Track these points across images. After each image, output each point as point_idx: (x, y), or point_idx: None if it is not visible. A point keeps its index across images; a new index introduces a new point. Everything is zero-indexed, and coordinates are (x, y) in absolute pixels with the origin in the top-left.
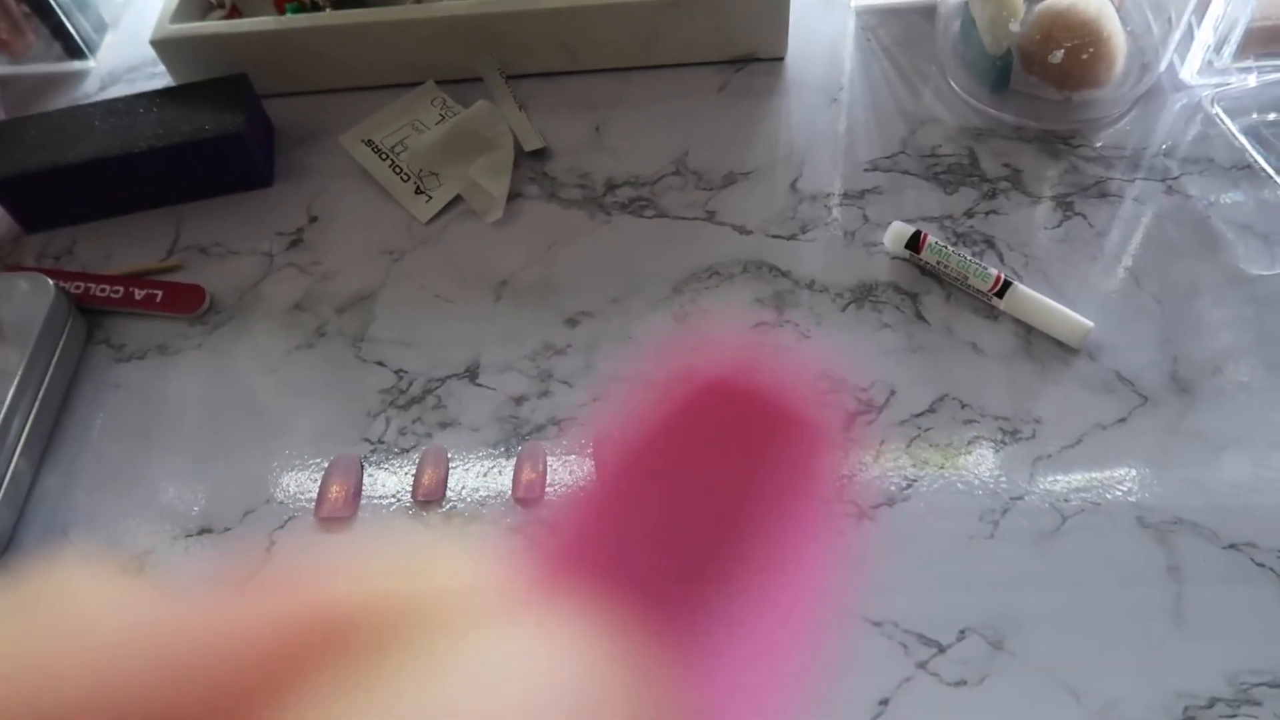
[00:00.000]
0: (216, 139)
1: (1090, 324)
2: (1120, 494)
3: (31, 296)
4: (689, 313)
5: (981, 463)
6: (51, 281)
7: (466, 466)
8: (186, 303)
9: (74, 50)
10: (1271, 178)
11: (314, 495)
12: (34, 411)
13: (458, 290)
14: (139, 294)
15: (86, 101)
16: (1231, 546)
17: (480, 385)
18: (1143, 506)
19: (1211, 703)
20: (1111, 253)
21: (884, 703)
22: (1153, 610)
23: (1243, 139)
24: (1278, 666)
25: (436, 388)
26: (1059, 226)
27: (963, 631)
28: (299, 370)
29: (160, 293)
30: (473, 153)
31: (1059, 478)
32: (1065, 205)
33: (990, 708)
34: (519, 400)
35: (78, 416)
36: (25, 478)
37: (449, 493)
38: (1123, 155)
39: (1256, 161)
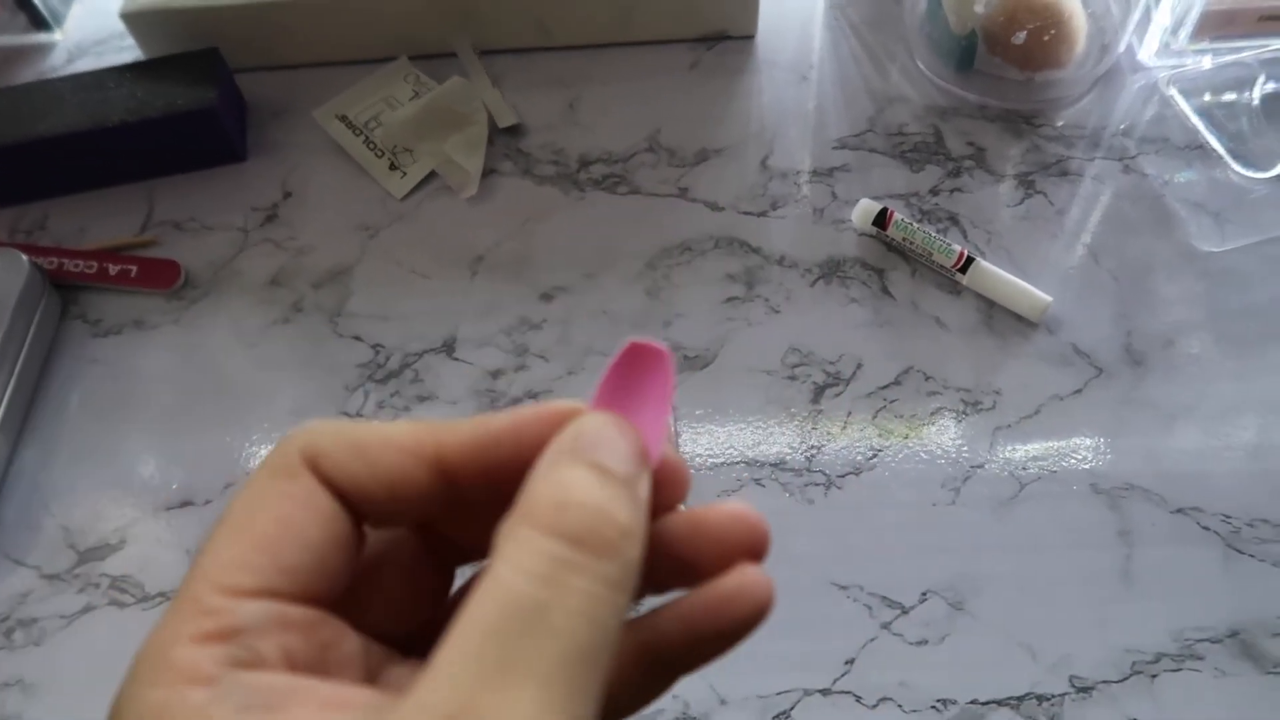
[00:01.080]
0: (189, 114)
1: (1049, 299)
2: (1075, 462)
3: (4, 272)
4: (661, 288)
5: (944, 433)
6: (25, 256)
7: None
8: (162, 278)
9: (39, 22)
10: (1223, 158)
11: None
12: (10, 388)
13: (434, 266)
14: (114, 269)
15: (54, 75)
16: (1179, 511)
17: (457, 359)
18: (1096, 473)
19: (1157, 658)
20: (1071, 230)
21: (849, 662)
22: (1104, 571)
23: (1196, 120)
24: (1220, 623)
25: (414, 362)
26: (1020, 204)
27: (925, 594)
28: (276, 345)
29: (135, 268)
30: (447, 129)
31: (1018, 447)
32: (1027, 183)
33: (951, 665)
34: (496, 374)
35: (55, 392)
36: (3, 454)
37: None
38: (1082, 135)
39: (1209, 142)
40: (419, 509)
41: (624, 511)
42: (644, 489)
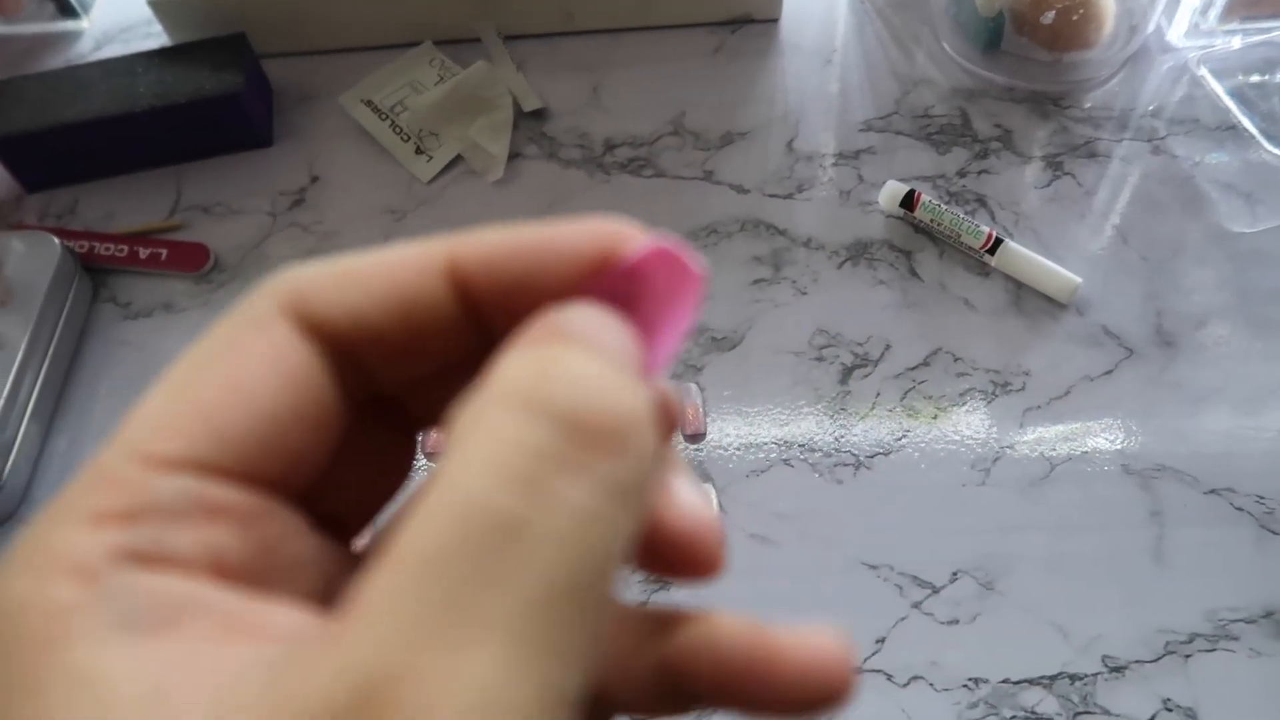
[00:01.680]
0: (216, 99)
1: (1078, 280)
2: (1106, 442)
3: (37, 255)
4: None
5: (973, 414)
6: (57, 239)
7: None
8: (191, 261)
9: (67, 9)
10: (1255, 138)
11: None
12: (43, 370)
13: None
14: (144, 253)
15: (82, 62)
16: (1212, 491)
17: None
18: (1127, 454)
19: (1191, 638)
20: (1099, 211)
21: (880, 641)
22: (1136, 552)
23: (1228, 100)
24: (1254, 603)
25: None
26: (1048, 186)
27: (955, 573)
28: None
29: (165, 251)
30: (472, 113)
31: (1048, 427)
32: (1055, 165)
33: (982, 644)
34: None
35: (87, 374)
36: (37, 436)
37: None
38: (1111, 116)
39: (1241, 122)
40: (440, 343)
41: (635, 396)
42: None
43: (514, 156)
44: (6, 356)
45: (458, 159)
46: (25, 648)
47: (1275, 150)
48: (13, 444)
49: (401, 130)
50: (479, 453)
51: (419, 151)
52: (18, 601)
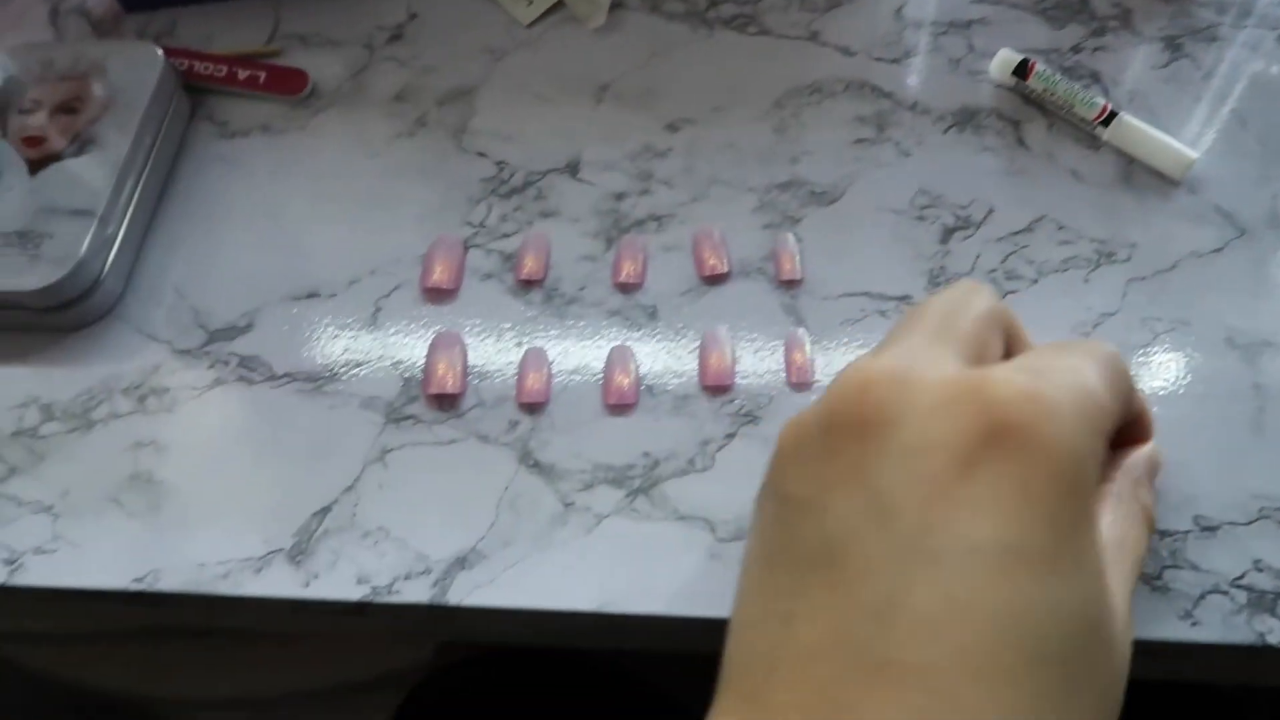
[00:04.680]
0: None
1: (1194, 155)
2: (1211, 317)
3: (139, 65)
4: (789, 126)
5: (1075, 280)
6: (160, 51)
7: (567, 253)
8: (290, 85)
9: None
10: None
11: (417, 270)
12: (143, 178)
13: (559, 92)
14: (242, 74)
15: None
16: None
17: (581, 180)
18: (1232, 329)
19: None
20: (1217, 95)
21: None
22: (1235, 422)
23: None
24: None
25: (538, 180)
26: (1166, 67)
27: None
28: (401, 155)
29: (264, 74)
30: None
31: (1151, 298)
32: (1174, 46)
33: None
34: (619, 196)
35: (181, 188)
36: (135, 240)
37: (549, 275)
38: (1234, 1)
39: None
40: None
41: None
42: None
43: (616, 5)
44: (111, 156)
45: (559, 4)
46: None
47: None
48: (114, 241)
49: None
50: None
51: None
52: None
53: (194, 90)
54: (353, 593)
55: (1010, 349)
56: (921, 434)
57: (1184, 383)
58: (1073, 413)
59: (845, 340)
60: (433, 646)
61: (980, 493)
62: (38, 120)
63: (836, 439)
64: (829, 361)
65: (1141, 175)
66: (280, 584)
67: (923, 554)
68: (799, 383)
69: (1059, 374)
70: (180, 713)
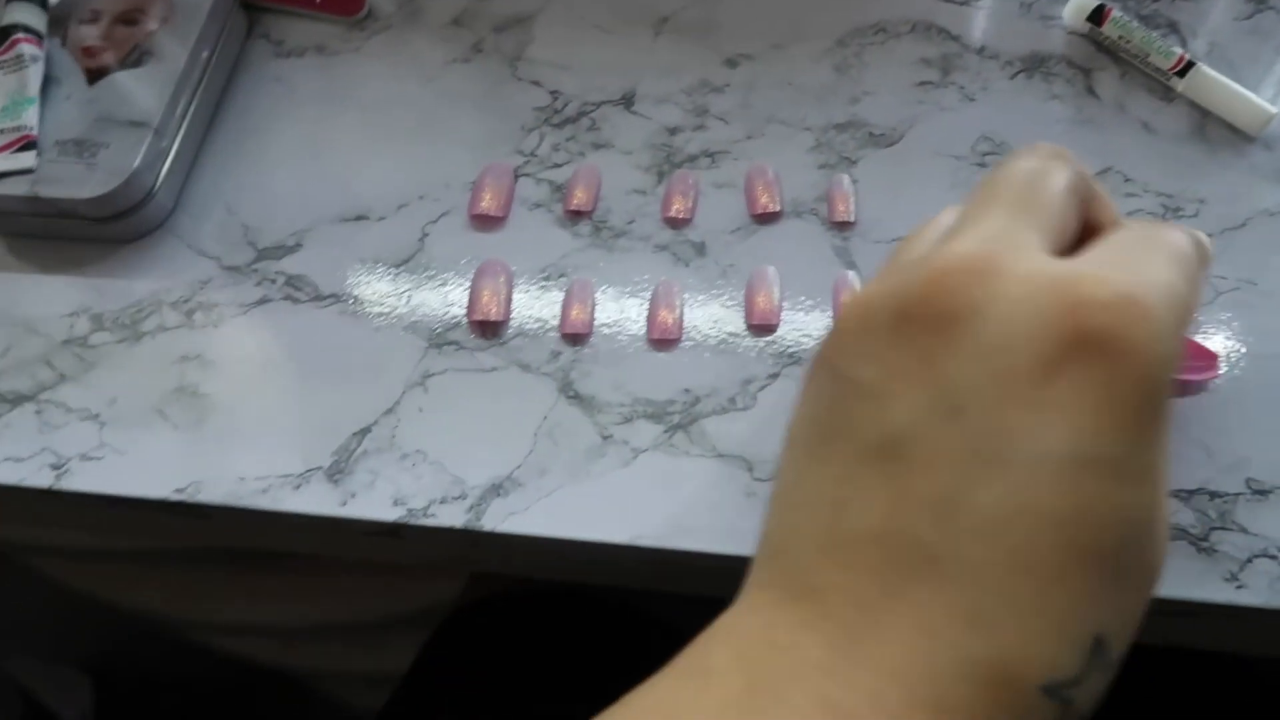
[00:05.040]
0: None
1: (1275, 110)
2: (1277, 275)
3: None
4: (851, 65)
5: None
6: None
7: (618, 185)
8: (347, 5)
9: None
10: None
11: (467, 196)
12: (199, 92)
13: (617, 23)
14: None
15: None
16: None
17: (635, 113)
18: None
19: None
20: None
21: None
22: None
23: None
24: None
25: (591, 111)
26: (1250, 18)
27: None
28: (455, 81)
29: None
30: None
31: (1219, 255)
32: None
33: None
34: (673, 131)
35: (237, 105)
36: (189, 153)
37: (599, 207)
38: None
39: None
40: None
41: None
42: None
43: None
44: (168, 69)
45: None
46: None
47: None
48: (168, 154)
49: None
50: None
51: None
52: None
53: (252, 8)
54: (389, 513)
55: (1091, 220)
56: (1003, 332)
57: (1245, 342)
58: (1166, 318)
59: None
60: (460, 584)
61: (1060, 398)
62: (97, 31)
63: (908, 326)
64: None
65: (1216, 129)
66: (318, 501)
67: (991, 456)
68: None
69: (1153, 271)
70: (210, 636)
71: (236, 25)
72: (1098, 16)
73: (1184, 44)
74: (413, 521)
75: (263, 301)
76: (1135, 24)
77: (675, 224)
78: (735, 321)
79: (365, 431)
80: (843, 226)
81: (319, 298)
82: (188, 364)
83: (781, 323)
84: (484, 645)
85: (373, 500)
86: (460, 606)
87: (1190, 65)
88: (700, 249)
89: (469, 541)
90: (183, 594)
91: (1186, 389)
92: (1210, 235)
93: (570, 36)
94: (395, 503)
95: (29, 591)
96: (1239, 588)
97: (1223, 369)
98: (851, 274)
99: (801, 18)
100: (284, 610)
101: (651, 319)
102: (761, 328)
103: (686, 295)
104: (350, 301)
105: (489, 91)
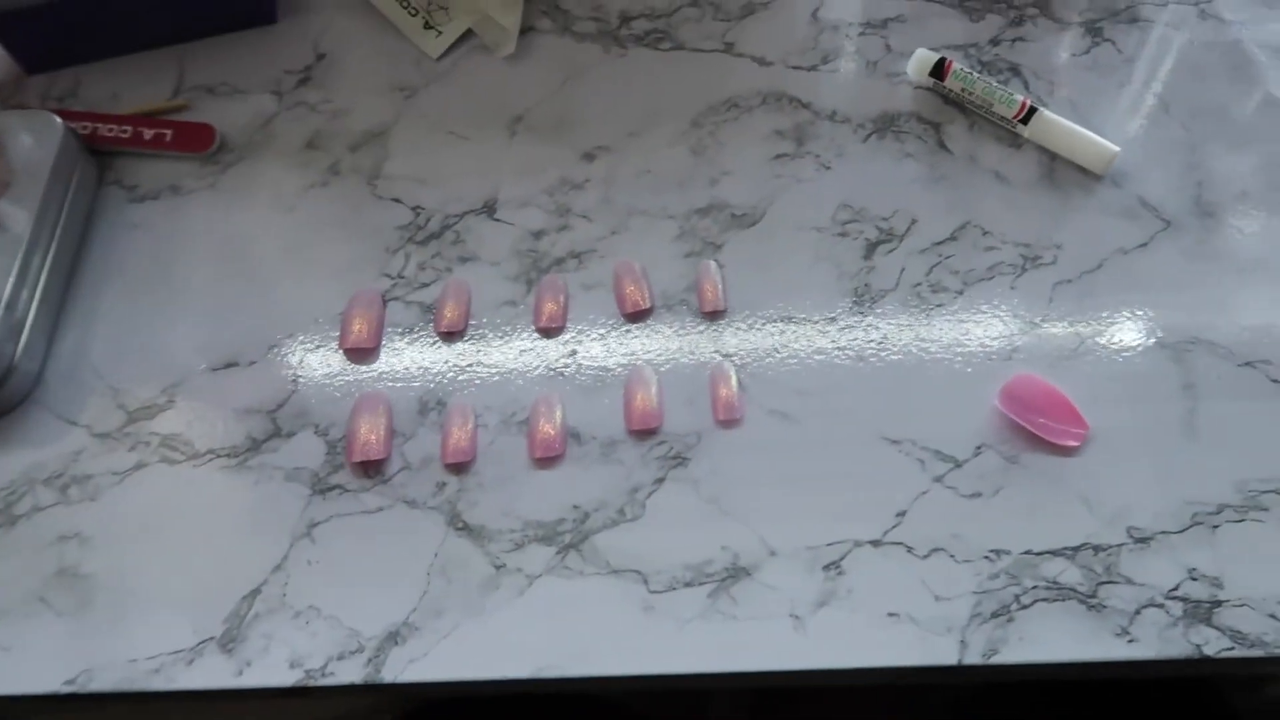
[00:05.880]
0: None
1: (1116, 149)
2: (1139, 315)
3: (39, 136)
4: (707, 145)
5: (1002, 288)
6: (59, 120)
7: (488, 298)
8: (197, 141)
9: None
10: None
11: (337, 329)
12: (51, 253)
13: (472, 127)
14: (148, 134)
15: None
16: (1246, 364)
17: (498, 220)
18: (1161, 327)
19: (1220, 509)
20: (1140, 80)
21: (901, 514)
22: (1167, 424)
23: None
24: None
25: (455, 223)
26: (1087, 53)
27: (979, 447)
28: (315, 207)
29: (170, 132)
30: None
31: (1078, 301)
32: (1094, 31)
33: (1005, 517)
34: (538, 234)
35: (95, 257)
36: (48, 319)
37: (470, 324)
38: None
39: None
40: None
41: None
42: None
43: (526, 30)
44: (12, 240)
45: (468, 34)
46: None
47: None
48: (23, 326)
49: (410, 4)
50: None
51: (428, 26)
52: None
53: (101, 153)
54: (286, 677)
55: None
56: None
57: (1114, 389)
58: None
59: (771, 371)
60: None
61: None
62: None
63: None
64: (758, 394)
65: (1065, 171)
66: (213, 675)
67: None
68: (726, 420)
69: None
70: None
71: (87, 176)
72: (940, 70)
73: (1027, 86)
74: (311, 683)
75: (139, 467)
76: (976, 75)
77: (549, 333)
78: (617, 427)
79: (255, 593)
80: (714, 315)
81: (195, 455)
82: (66, 544)
83: (663, 423)
84: None
85: (269, 665)
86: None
87: (1033, 111)
88: (575, 356)
89: (372, 694)
90: None
91: (1062, 450)
92: (1070, 280)
93: (426, 147)
94: (292, 665)
95: None
96: (1130, 641)
97: (1091, 423)
98: (727, 363)
99: (654, 101)
100: None
101: (533, 436)
102: (643, 432)
103: (566, 406)
104: (228, 455)
105: (350, 214)
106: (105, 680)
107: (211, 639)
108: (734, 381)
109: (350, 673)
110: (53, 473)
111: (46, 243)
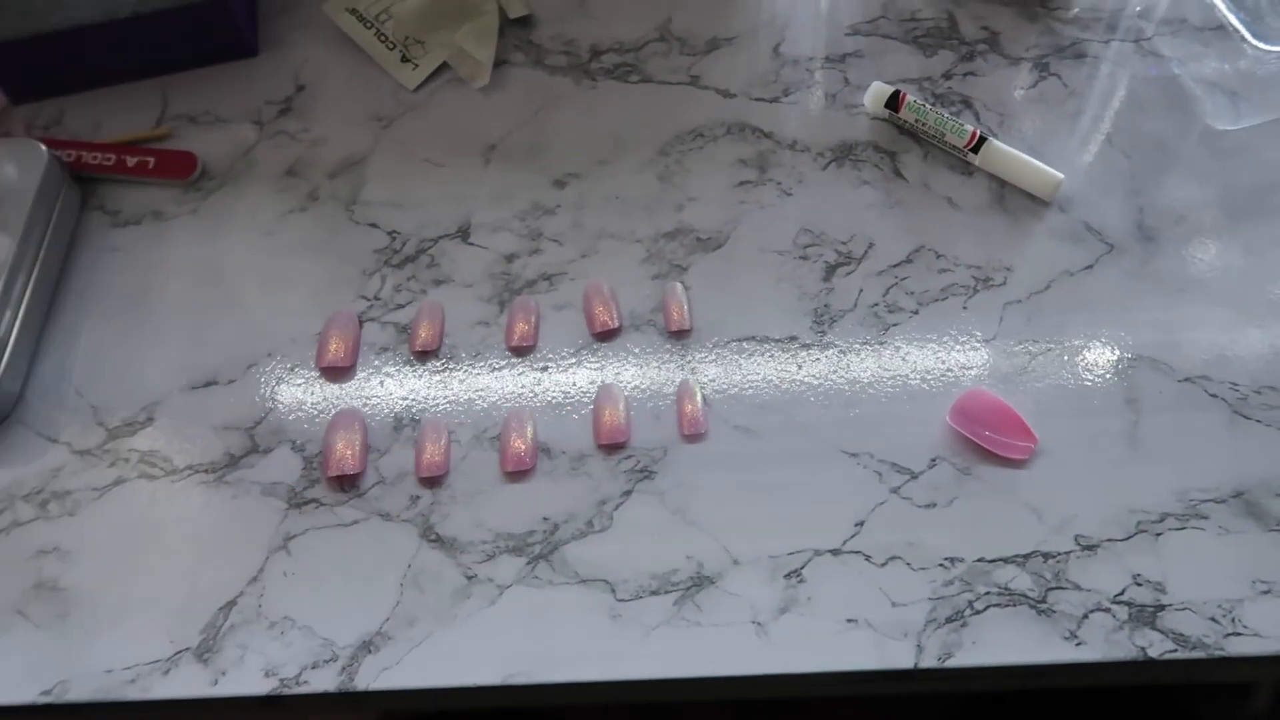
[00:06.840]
0: (201, 6)
1: (1061, 176)
2: (1085, 334)
3: (23, 163)
4: (674, 173)
5: (955, 308)
6: (44, 147)
7: (461, 319)
8: (179, 169)
9: None
10: (1241, 35)
11: (314, 349)
12: (34, 276)
13: (447, 155)
14: (131, 161)
15: None
16: (1187, 380)
17: (472, 244)
18: (1106, 345)
19: (1162, 517)
20: (1084, 112)
21: (859, 524)
22: (1110, 437)
23: None
24: (1224, 484)
25: (429, 247)
26: (1034, 87)
27: (934, 460)
28: (294, 233)
29: (152, 160)
30: (458, 19)
31: (1027, 321)
32: (1041, 66)
33: (959, 526)
34: (510, 258)
35: (77, 280)
36: (30, 340)
37: (444, 343)
38: (1099, 18)
39: (1228, 20)
40: None
41: None
42: None
43: (500, 64)
44: None
45: (444, 66)
46: None
47: (1261, 45)
48: (5, 347)
49: (387, 38)
50: None
51: (405, 59)
52: None
53: (85, 180)
54: (260, 686)
55: None
56: None
57: (1061, 403)
58: None
59: (734, 388)
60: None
61: None
62: None
63: None
64: (721, 410)
65: (1014, 198)
66: (188, 684)
67: None
68: (691, 434)
69: None
70: None
71: (69, 201)
72: (894, 103)
73: (978, 118)
74: (285, 692)
75: (118, 482)
76: (929, 106)
77: (520, 351)
78: (585, 441)
79: (232, 604)
80: (680, 334)
81: (174, 471)
82: (45, 558)
83: (631, 438)
84: None
85: (243, 675)
86: None
87: (983, 141)
88: (546, 373)
89: (348, 702)
90: None
91: (1012, 462)
92: (1019, 301)
93: (403, 174)
94: (267, 674)
95: None
96: (1078, 645)
97: (1039, 436)
98: (692, 380)
99: (623, 131)
100: None
101: (504, 450)
102: (611, 446)
103: (537, 422)
104: (206, 471)
105: (328, 238)
106: (81, 690)
107: (187, 649)
108: (699, 398)
109: (324, 681)
110: (33, 489)
111: (30, 266)
